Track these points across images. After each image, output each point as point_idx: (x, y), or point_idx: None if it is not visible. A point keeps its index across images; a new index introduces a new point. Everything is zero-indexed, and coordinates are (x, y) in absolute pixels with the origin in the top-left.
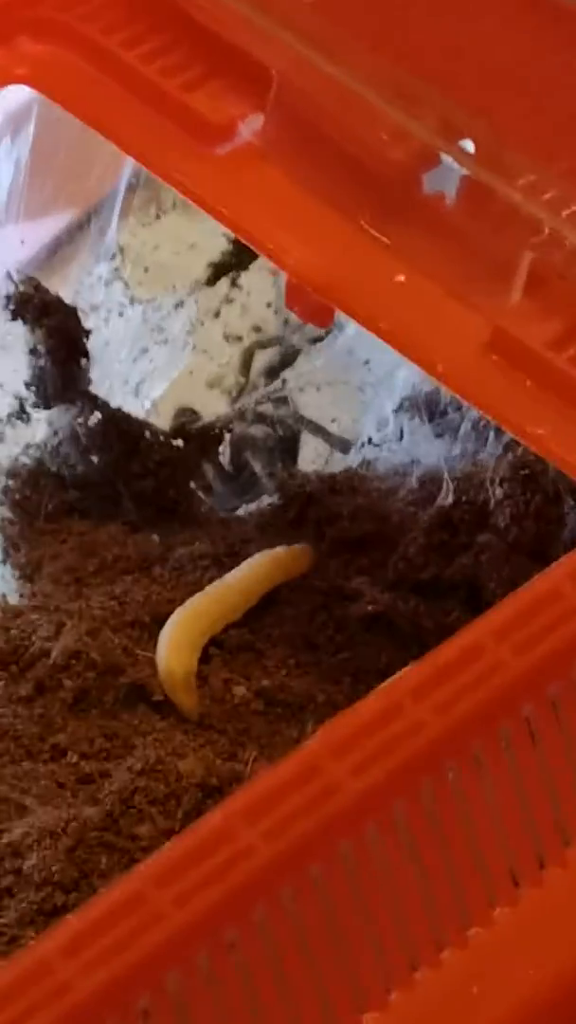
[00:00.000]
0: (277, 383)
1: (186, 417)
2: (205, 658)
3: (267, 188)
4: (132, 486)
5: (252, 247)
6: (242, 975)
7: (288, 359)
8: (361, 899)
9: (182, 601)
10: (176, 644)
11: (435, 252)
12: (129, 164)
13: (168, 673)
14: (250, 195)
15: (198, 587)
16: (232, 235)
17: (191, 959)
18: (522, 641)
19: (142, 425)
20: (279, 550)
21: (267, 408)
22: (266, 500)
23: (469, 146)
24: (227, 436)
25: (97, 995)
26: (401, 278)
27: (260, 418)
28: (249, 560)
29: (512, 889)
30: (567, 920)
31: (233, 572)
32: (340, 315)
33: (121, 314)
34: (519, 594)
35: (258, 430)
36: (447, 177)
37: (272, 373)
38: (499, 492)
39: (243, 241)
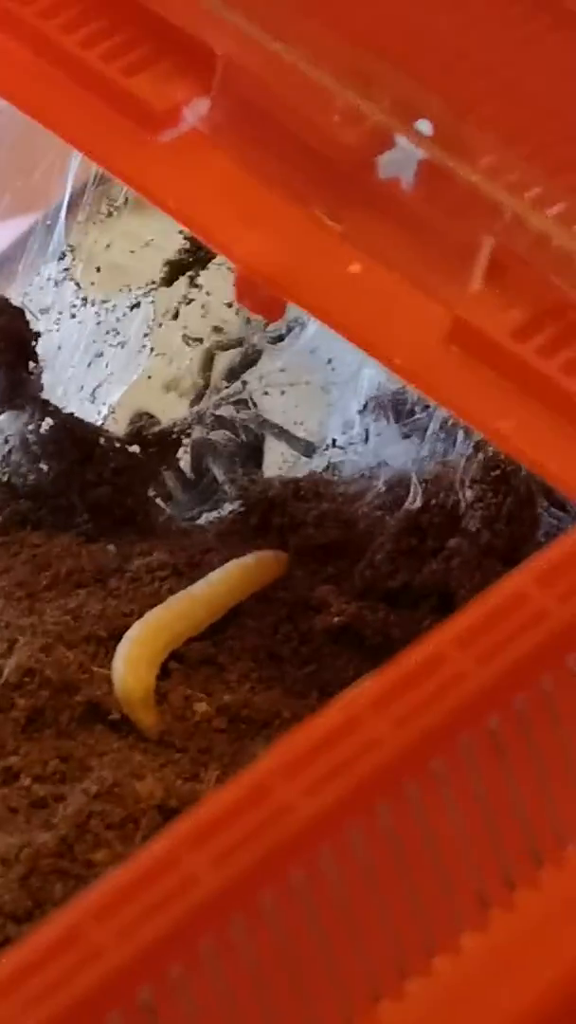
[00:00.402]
0: (238, 385)
1: (143, 422)
2: (164, 673)
3: (215, 176)
4: (87, 495)
5: (199, 238)
6: (185, 1016)
7: (250, 360)
8: (317, 929)
9: (140, 614)
10: (134, 660)
11: (391, 239)
12: (76, 158)
13: (126, 691)
14: (197, 183)
15: (157, 599)
16: (189, 233)
17: (131, 997)
18: (487, 649)
19: (96, 431)
20: (248, 559)
21: (228, 411)
22: (227, 508)
23: (426, 127)
24: (186, 441)
25: None
26: (356, 267)
27: (221, 422)
28: (217, 571)
29: (480, 912)
30: (541, 945)
31: (199, 584)
32: (303, 314)
33: (73, 316)
34: (483, 599)
35: (219, 435)
36: (403, 160)
37: (233, 375)
38: (469, 494)
39: (189, 231)
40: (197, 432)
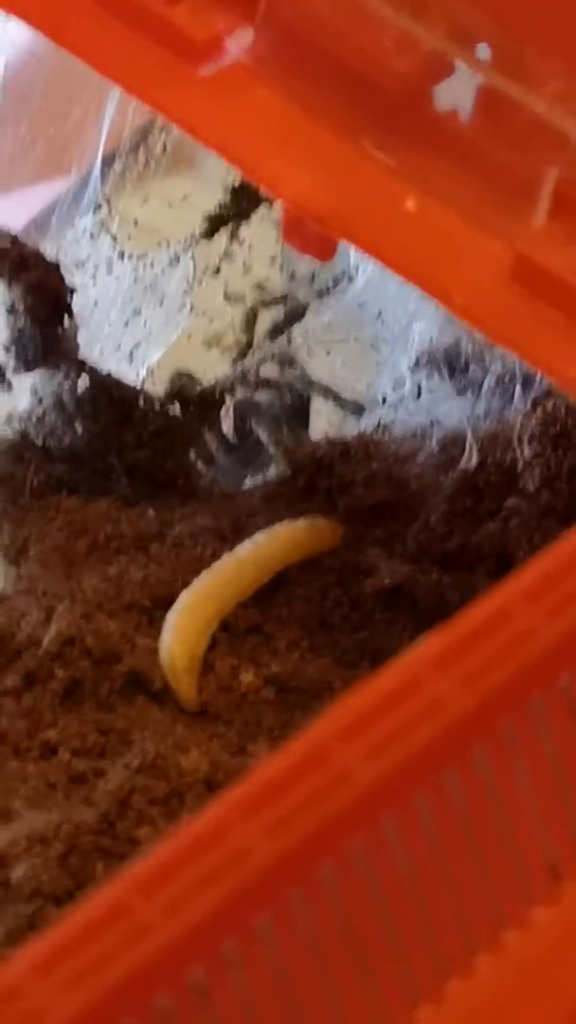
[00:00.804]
0: (282, 342)
1: (183, 382)
2: (210, 643)
3: (259, 110)
4: (125, 458)
5: (244, 175)
6: (240, 997)
7: (294, 316)
8: (379, 904)
9: (183, 581)
10: (182, 631)
11: (448, 174)
12: (112, 104)
13: (171, 661)
14: (241, 118)
15: (200, 565)
16: (230, 184)
17: (181, 978)
18: (556, 603)
19: (135, 392)
20: (299, 524)
21: (272, 371)
22: (273, 471)
23: (485, 52)
24: (229, 402)
25: (72, 1019)
26: (411, 204)
27: (265, 382)
28: (264, 532)
29: (553, 886)
30: None
31: (245, 545)
32: (350, 266)
33: (110, 271)
34: (551, 551)
35: (263, 395)
36: (461, 89)
37: (277, 332)
38: (528, 452)
39: (234, 167)
40: (240, 392)
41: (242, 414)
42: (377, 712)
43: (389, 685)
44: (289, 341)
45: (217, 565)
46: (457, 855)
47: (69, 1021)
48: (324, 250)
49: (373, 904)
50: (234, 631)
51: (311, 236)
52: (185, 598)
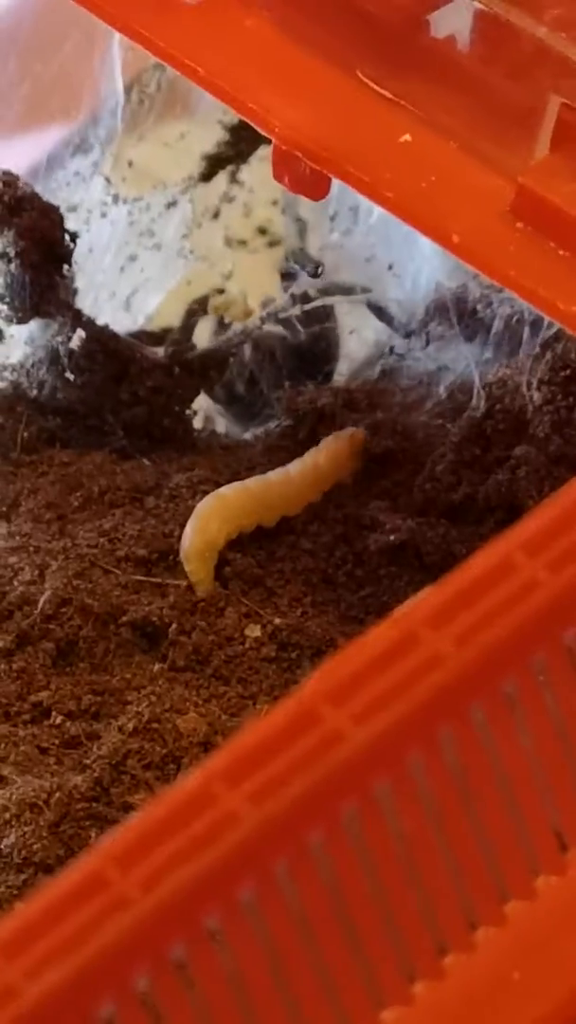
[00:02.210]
0: (287, 300)
1: (182, 336)
2: (223, 581)
3: (248, 39)
4: (121, 415)
5: (233, 109)
6: (228, 970)
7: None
8: (372, 873)
9: (181, 535)
10: (205, 515)
11: (446, 105)
12: (102, 39)
13: (188, 542)
14: (229, 48)
15: None
16: (229, 123)
17: (161, 953)
18: (560, 555)
19: (132, 346)
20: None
21: (277, 328)
22: (275, 423)
23: None
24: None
25: (44, 1000)
26: (407, 137)
27: (268, 338)
28: (314, 450)
29: (558, 854)
30: None
31: (295, 464)
32: (358, 215)
33: (104, 215)
34: (555, 500)
35: (266, 347)
36: (458, 15)
37: (287, 276)
38: (537, 397)
39: (222, 101)
40: (244, 347)
41: (243, 366)
42: (370, 671)
43: (383, 643)
44: (293, 297)
45: (270, 473)
46: (456, 822)
47: (42, 1000)
48: (317, 188)
49: (366, 874)
50: (237, 586)
51: (303, 173)
52: (223, 488)
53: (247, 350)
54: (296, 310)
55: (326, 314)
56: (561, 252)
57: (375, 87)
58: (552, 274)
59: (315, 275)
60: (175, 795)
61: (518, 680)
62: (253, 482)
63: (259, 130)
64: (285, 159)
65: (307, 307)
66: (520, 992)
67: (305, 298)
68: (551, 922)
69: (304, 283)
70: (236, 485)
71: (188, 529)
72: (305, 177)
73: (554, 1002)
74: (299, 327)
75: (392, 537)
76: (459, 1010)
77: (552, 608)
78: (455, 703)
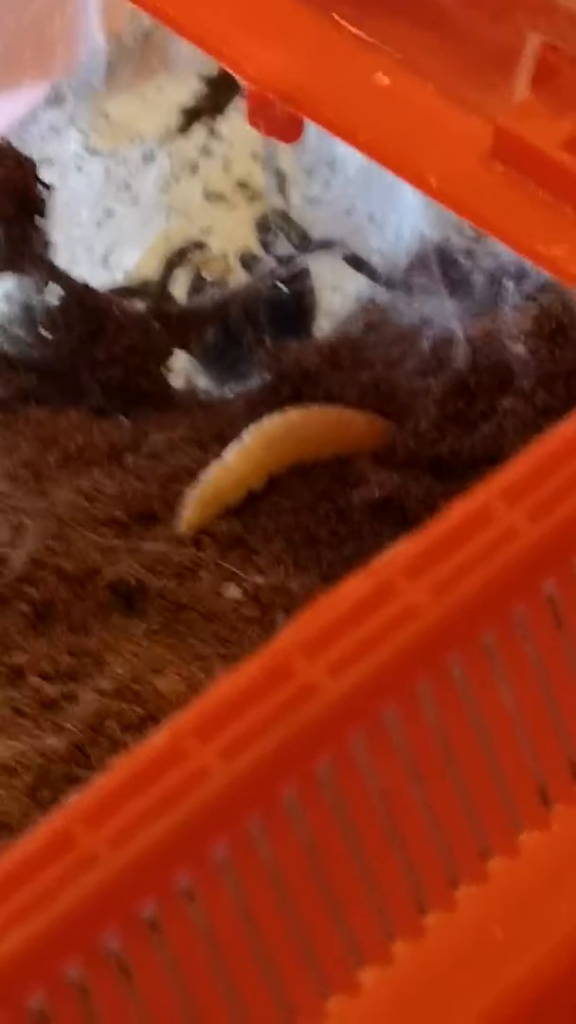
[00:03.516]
0: (269, 260)
1: (160, 289)
2: (198, 545)
3: None
4: (97, 373)
5: (204, 52)
6: (201, 930)
7: (278, 224)
8: (349, 829)
9: (160, 494)
10: (223, 470)
11: (423, 45)
12: None
13: (200, 489)
14: None
15: (178, 475)
16: (206, 75)
17: (131, 912)
18: (540, 503)
19: (110, 302)
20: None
21: (259, 285)
22: (257, 380)
23: None
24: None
25: (11, 960)
26: (384, 79)
27: (252, 294)
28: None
29: (541, 809)
30: None
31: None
32: (337, 166)
33: (80, 168)
34: (535, 449)
35: (250, 303)
36: None
37: (264, 244)
38: (522, 350)
39: (194, 45)
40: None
41: (224, 324)
42: (344, 623)
43: (358, 594)
44: (276, 257)
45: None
46: (435, 776)
47: (9, 960)
48: (291, 131)
49: (342, 830)
50: (218, 543)
51: (277, 117)
52: (245, 438)
53: (227, 307)
54: (277, 267)
55: (307, 271)
56: (541, 194)
57: (351, 28)
58: (532, 217)
59: (300, 245)
60: (144, 751)
61: (497, 631)
62: (287, 419)
63: (232, 73)
64: (259, 103)
65: (288, 264)
66: (502, 950)
67: (287, 257)
68: (534, 879)
69: (286, 241)
70: (265, 427)
71: (205, 476)
72: (279, 121)
73: (537, 960)
74: (280, 283)
75: (376, 492)
76: (440, 969)
77: (531, 557)
78: (432, 655)
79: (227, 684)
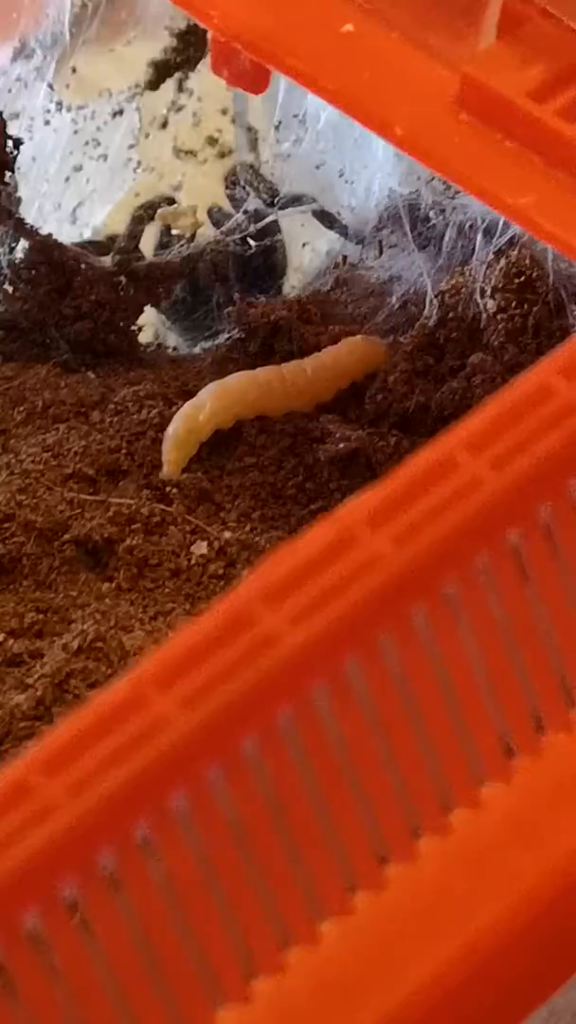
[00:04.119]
0: (239, 217)
1: (129, 246)
2: (167, 499)
3: None
4: (65, 329)
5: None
6: (160, 881)
7: (248, 180)
8: (310, 781)
9: (128, 450)
10: (201, 400)
11: None
12: None
13: (173, 428)
14: None
15: (145, 431)
16: (176, 29)
17: (89, 863)
18: (505, 451)
19: (77, 256)
20: (363, 339)
21: (228, 241)
22: (225, 336)
23: None
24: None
25: None
26: (348, 27)
27: (220, 248)
28: (333, 347)
29: (504, 761)
30: (574, 795)
31: (311, 357)
32: (308, 122)
33: (48, 123)
34: (499, 398)
35: (218, 258)
36: None
37: (234, 201)
38: (491, 305)
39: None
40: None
41: (193, 280)
42: (306, 572)
43: (319, 543)
44: (245, 212)
45: (283, 365)
46: (397, 728)
47: None
48: (257, 82)
49: (303, 781)
50: (186, 499)
51: (242, 66)
52: (227, 378)
53: (195, 263)
54: (247, 223)
55: (277, 227)
56: (507, 143)
57: None
58: (498, 166)
59: (270, 201)
60: (104, 700)
61: (460, 581)
62: (262, 371)
63: (196, 21)
64: (224, 52)
65: (257, 220)
66: (463, 902)
67: (257, 212)
68: (496, 831)
69: (256, 197)
70: (243, 373)
71: (178, 413)
72: (245, 70)
73: (498, 912)
74: (250, 240)
75: (342, 447)
76: (401, 920)
77: (495, 506)
78: (395, 605)
79: (188, 633)
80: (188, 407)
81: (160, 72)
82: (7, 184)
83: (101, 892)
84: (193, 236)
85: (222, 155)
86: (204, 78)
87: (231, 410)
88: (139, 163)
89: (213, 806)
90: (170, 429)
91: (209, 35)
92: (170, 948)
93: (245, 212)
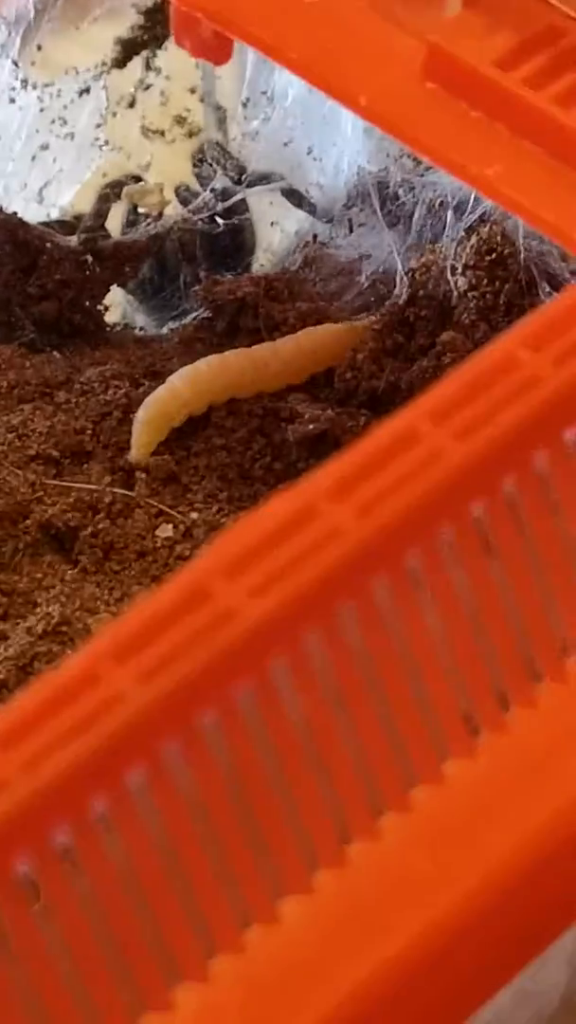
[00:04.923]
0: (206, 195)
1: (95, 224)
2: (131, 484)
3: None
4: (30, 308)
5: None
6: (116, 859)
7: (216, 157)
8: (269, 757)
9: (94, 431)
10: (169, 389)
11: None
12: None
13: (143, 410)
14: None
15: (111, 411)
16: (143, 6)
17: (44, 840)
18: (468, 422)
19: (43, 236)
20: (339, 325)
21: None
22: (192, 315)
23: None
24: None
25: None
26: None
27: (187, 228)
28: (310, 328)
29: (467, 739)
30: (538, 774)
31: (285, 339)
32: (276, 99)
33: (13, 101)
34: (464, 369)
35: (185, 237)
36: None
37: (201, 179)
38: (462, 283)
39: None
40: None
41: (160, 260)
42: (266, 545)
43: (280, 516)
44: (212, 191)
45: (254, 347)
46: (358, 703)
47: None
48: (219, 52)
49: (263, 757)
50: (152, 480)
51: (204, 37)
52: (199, 363)
53: (162, 241)
54: (215, 202)
55: (245, 205)
56: (473, 113)
57: None
58: (463, 136)
59: (238, 179)
60: (59, 675)
61: (423, 555)
62: (234, 354)
63: None
64: (186, 22)
65: (225, 198)
66: (427, 880)
67: (225, 191)
68: (459, 808)
69: (224, 175)
70: (216, 357)
71: (150, 398)
72: (207, 41)
73: (462, 890)
74: (218, 218)
75: (311, 426)
76: (363, 899)
77: (459, 479)
78: (356, 578)
79: (145, 606)
80: (162, 391)
81: (127, 50)
82: None
83: (56, 869)
84: (160, 215)
85: (190, 134)
86: (172, 56)
87: (204, 397)
88: (106, 142)
89: (171, 782)
90: (141, 413)
91: (171, 5)
92: (128, 926)
93: (212, 191)
